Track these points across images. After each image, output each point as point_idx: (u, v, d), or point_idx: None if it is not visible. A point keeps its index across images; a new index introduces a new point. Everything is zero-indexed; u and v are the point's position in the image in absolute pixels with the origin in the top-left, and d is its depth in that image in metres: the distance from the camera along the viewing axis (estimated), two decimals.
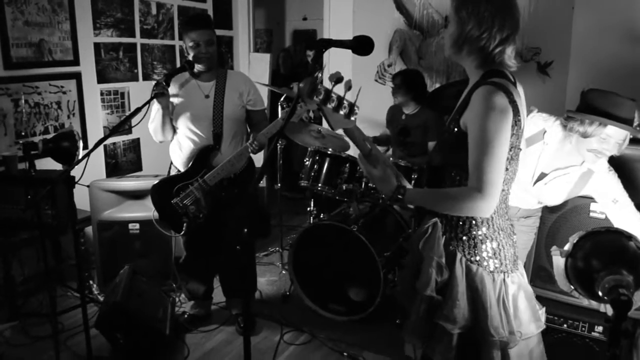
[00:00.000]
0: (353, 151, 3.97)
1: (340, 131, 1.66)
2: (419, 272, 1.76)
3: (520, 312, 1.72)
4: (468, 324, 1.69)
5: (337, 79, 1.48)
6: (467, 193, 1.58)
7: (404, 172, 3.34)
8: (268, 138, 2.87)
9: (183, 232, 3.00)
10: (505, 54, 1.66)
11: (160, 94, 2.86)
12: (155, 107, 2.99)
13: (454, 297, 1.69)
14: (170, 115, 3.02)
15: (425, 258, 1.74)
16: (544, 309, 1.83)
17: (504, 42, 1.64)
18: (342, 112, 1.54)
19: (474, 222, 1.69)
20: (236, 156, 2.91)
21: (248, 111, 3.12)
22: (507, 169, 1.65)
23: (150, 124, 3.06)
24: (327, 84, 1.51)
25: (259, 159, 4.93)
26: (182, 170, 3.05)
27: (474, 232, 1.70)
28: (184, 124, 3.03)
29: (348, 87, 1.51)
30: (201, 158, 2.99)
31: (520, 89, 1.73)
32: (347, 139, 1.82)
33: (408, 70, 4.33)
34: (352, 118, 1.56)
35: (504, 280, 1.70)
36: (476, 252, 1.70)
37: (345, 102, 1.54)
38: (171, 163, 3.20)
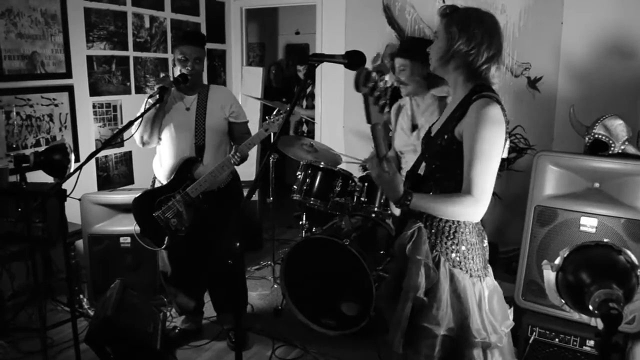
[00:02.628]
0: (345, 165, 3.98)
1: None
2: (403, 276, 1.82)
3: (496, 313, 1.82)
4: (452, 326, 1.76)
5: (382, 73, 1.57)
6: (463, 198, 1.68)
7: None
8: (250, 149, 2.90)
9: (165, 245, 2.98)
10: (490, 72, 1.77)
11: (165, 88, 2.85)
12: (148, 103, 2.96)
13: (438, 299, 1.76)
14: (161, 119, 3.01)
15: (412, 261, 1.78)
16: (512, 308, 1.95)
17: (490, 60, 1.75)
18: (380, 103, 1.61)
19: (456, 228, 1.80)
20: (218, 168, 2.91)
21: (230, 123, 3.13)
22: None
23: (136, 126, 2.97)
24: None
25: (245, 173, 4.91)
26: (165, 183, 3.05)
27: (458, 237, 1.80)
28: (166, 136, 3.04)
29: (388, 82, 1.61)
30: (183, 170, 2.98)
31: None
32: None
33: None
34: (385, 113, 1.63)
35: (481, 282, 1.82)
36: (458, 257, 1.79)
37: (383, 97, 1.62)
38: (154, 177, 3.20)
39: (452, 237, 1.80)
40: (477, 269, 1.81)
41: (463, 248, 1.79)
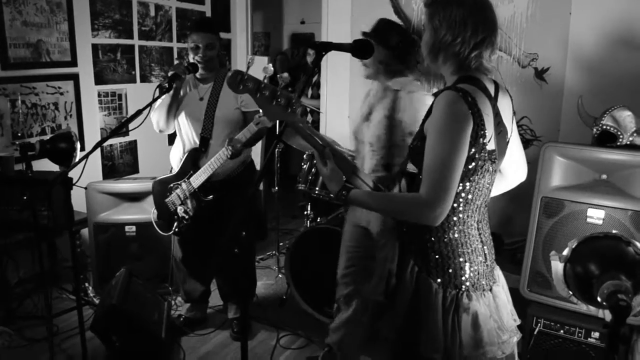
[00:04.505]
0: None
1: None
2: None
3: (474, 333, 1.62)
4: (407, 335, 1.65)
5: (267, 75, 1.48)
6: (412, 199, 1.55)
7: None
8: (244, 142, 2.87)
9: (172, 231, 3.05)
10: (482, 58, 1.62)
11: (177, 76, 2.84)
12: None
13: (397, 304, 1.66)
14: (176, 105, 3.03)
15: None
16: (516, 336, 1.72)
17: (479, 46, 1.59)
18: (279, 103, 1.52)
19: (432, 230, 1.63)
20: (214, 160, 2.92)
21: (243, 113, 3.11)
22: (471, 180, 1.59)
23: (154, 112, 3.02)
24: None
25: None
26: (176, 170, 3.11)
27: (429, 244, 1.65)
28: (178, 125, 3.09)
29: (284, 81, 1.51)
30: (190, 160, 3.03)
31: (504, 98, 1.70)
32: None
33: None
34: (297, 111, 1.54)
35: (457, 296, 1.62)
36: (429, 262, 1.64)
37: (280, 93, 1.52)
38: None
39: (424, 241, 1.65)
40: (456, 280, 1.63)
41: (434, 255, 1.64)
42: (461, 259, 1.64)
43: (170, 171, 3.23)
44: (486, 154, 1.59)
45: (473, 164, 1.57)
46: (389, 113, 2.49)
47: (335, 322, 2.81)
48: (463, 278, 1.64)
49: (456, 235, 1.64)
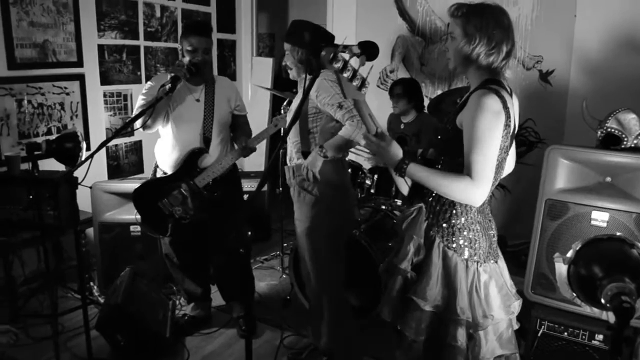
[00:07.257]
0: (354, 157, 3.98)
1: None
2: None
3: (491, 298, 1.86)
4: (439, 304, 1.86)
5: (354, 53, 1.67)
6: (463, 178, 1.72)
7: None
8: (259, 143, 3.00)
9: (169, 233, 3.02)
10: (507, 66, 1.82)
11: (178, 78, 2.84)
12: (150, 85, 3.02)
13: (428, 277, 1.86)
14: (166, 106, 2.99)
15: (406, 237, 1.91)
16: (519, 300, 1.97)
17: (509, 56, 1.80)
18: (355, 84, 1.70)
19: (454, 211, 1.86)
20: (227, 159, 2.98)
21: (234, 116, 3.20)
22: (497, 168, 1.80)
23: (139, 108, 2.96)
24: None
25: (255, 163, 4.93)
26: (169, 172, 3.07)
27: (453, 221, 1.86)
28: (173, 126, 3.04)
29: (362, 62, 1.69)
30: (190, 160, 3.02)
31: (515, 99, 1.89)
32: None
33: (406, 79, 4.30)
34: (363, 91, 1.71)
35: (477, 269, 1.86)
36: (454, 239, 1.86)
37: (358, 74, 1.70)
38: (156, 166, 3.20)
39: (447, 220, 1.86)
40: (475, 254, 1.86)
41: (458, 232, 1.85)
42: (480, 235, 1.87)
43: (154, 173, 3.20)
44: (508, 145, 1.82)
45: (499, 154, 1.78)
46: (301, 103, 2.54)
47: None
48: (480, 251, 1.87)
49: (477, 214, 1.87)
